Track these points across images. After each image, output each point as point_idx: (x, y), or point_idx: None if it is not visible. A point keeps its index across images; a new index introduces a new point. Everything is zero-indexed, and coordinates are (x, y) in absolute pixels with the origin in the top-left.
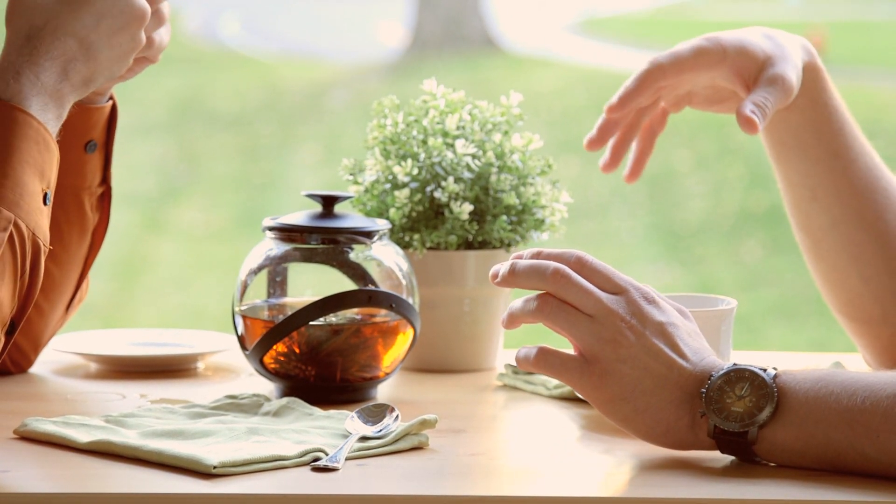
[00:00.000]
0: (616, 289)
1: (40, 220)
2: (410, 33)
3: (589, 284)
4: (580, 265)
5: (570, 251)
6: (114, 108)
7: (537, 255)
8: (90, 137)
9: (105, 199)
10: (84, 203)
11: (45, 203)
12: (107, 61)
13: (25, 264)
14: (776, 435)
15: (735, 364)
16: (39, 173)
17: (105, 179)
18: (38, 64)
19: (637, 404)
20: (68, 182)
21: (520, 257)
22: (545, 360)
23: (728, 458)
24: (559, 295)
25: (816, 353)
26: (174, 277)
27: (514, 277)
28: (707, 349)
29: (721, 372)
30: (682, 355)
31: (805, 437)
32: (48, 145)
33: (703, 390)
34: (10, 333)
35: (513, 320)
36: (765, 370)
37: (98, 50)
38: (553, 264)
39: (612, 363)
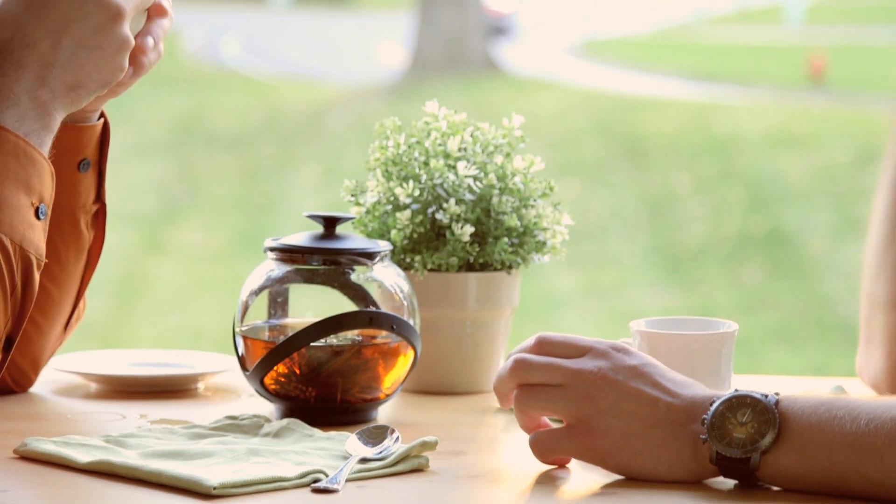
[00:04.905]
0: (580, 351)
1: (29, 233)
2: (411, 55)
3: (549, 358)
4: (540, 345)
5: (530, 337)
6: (106, 126)
7: None
8: (83, 156)
9: (100, 217)
10: (79, 222)
11: (38, 217)
12: (92, 64)
13: (15, 278)
14: (779, 460)
15: (736, 390)
16: (24, 187)
17: (99, 197)
18: (9, 75)
19: (633, 449)
20: (63, 202)
21: None
22: (537, 443)
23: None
24: (526, 381)
25: (817, 378)
26: (173, 298)
27: (497, 393)
28: (692, 381)
29: (723, 398)
30: (664, 390)
31: (808, 462)
32: (31, 157)
33: (705, 416)
34: (6, 350)
35: (523, 425)
36: (766, 396)
37: (75, 53)
38: (512, 357)
39: (595, 418)
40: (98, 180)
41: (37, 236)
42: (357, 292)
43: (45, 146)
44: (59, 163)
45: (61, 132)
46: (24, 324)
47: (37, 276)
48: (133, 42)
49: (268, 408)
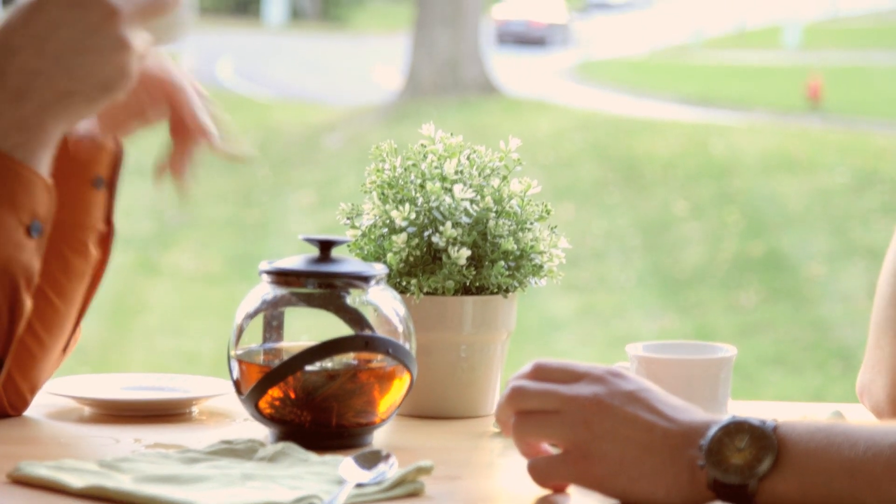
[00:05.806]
0: (576, 377)
1: (16, 253)
2: (406, 77)
3: (545, 385)
4: (537, 371)
5: (527, 364)
6: (119, 147)
7: None
8: (97, 173)
9: (107, 239)
10: (88, 239)
11: (30, 235)
12: (84, 68)
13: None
14: (777, 486)
15: (734, 416)
16: (8, 204)
17: (108, 219)
18: None
19: (630, 475)
20: (75, 218)
21: None
22: (534, 469)
23: None
24: (524, 408)
25: (815, 403)
26: (167, 321)
27: (499, 422)
28: (689, 405)
29: (720, 424)
30: (661, 415)
31: (806, 488)
32: (16, 173)
33: (703, 442)
34: None
35: (522, 452)
36: (764, 422)
37: (62, 57)
38: (510, 385)
39: (591, 443)
40: (108, 201)
41: (26, 256)
42: (353, 316)
43: (36, 160)
44: (73, 178)
45: (75, 147)
46: (13, 344)
47: (26, 296)
48: (135, 45)
49: (263, 432)
